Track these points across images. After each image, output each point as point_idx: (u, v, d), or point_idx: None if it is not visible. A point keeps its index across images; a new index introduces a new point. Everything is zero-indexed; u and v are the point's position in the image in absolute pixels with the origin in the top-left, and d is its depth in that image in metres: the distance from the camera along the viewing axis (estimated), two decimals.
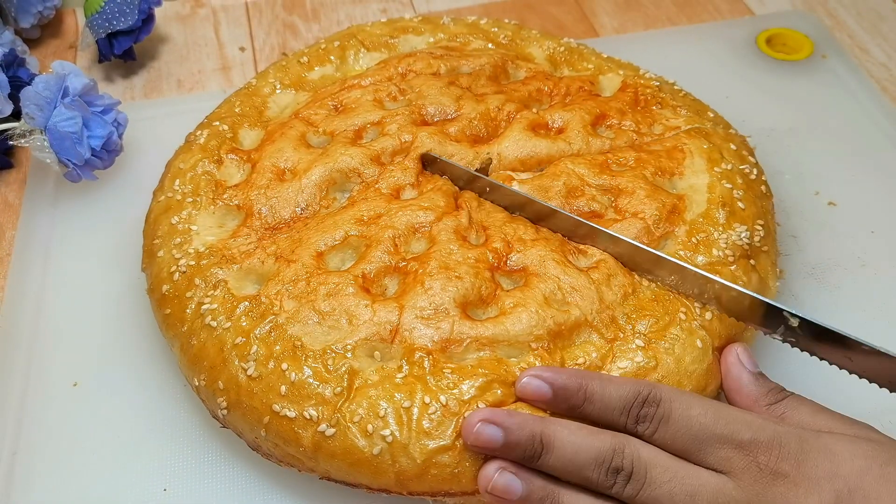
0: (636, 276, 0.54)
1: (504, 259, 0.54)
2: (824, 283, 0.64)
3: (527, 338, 0.50)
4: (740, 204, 0.58)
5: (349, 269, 0.54)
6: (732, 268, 0.54)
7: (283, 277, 0.54)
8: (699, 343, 0.50)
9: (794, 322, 0.48)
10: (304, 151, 0.62)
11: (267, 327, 0.52)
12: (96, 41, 0.82)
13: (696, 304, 0.52)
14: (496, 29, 0.75)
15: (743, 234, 0.56)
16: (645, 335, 0.51)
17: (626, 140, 0.63)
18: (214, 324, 0.53)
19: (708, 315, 0.52)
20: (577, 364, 0.50)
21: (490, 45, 0.73)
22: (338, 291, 0.52)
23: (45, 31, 0.91)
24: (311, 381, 0.49)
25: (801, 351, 0.49)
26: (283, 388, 0.49)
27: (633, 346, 0.50)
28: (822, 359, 0.49)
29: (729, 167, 0.60)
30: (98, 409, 0.58)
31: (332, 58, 0.73)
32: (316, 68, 0.72)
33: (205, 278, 0.55)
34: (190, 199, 0.60)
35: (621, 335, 0.51)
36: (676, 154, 0.61)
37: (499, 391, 0.48)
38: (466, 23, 0.76)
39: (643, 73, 0.71)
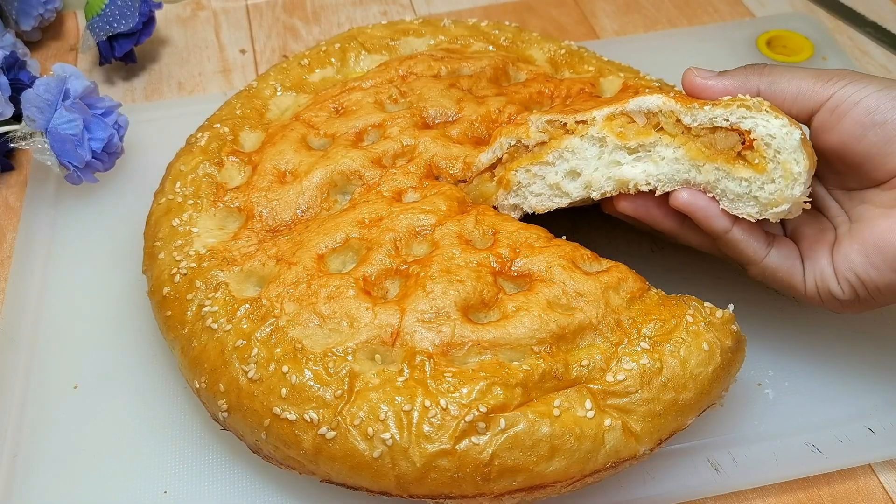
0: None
1: (508, 264, 0.54)
2: None
3: (529, 341, 0.50)
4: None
5: (350, 272, 0.54)
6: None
7: (284, 280, 0.54)
8: (706, 346, 0.50)
9: None
10: (305, 154, 0.62)
11: (268, 330, 0.52)
12: (97, 43, 0.82)
13: (706, 304, 0.52)
14: (497, 31, 0.75)
15: None
16: (650, 338, 0.51)
17: None
18: (215, 326, 0.53)
19: (719, 314, 0.52)
20: (580, 366, 0.49)
21: (491, 48, 0.73)
22: (339, 294, 0.52)
23: (46, 33, 0.91)
24: (311, 383, 0.49)
25: None
26: (283, 391, 0.49)
27: (639, 348, 0.50)
28: None
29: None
30: (98, 411, 0.58)
31: (332, 60, 0.73)
32: (317, 70, 0.72)
33: (205, 280, 0.55)
34: (191, 202, 0.60)
35: (626, 339, 0.51)
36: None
37: (500, 393, 0.48)
38: (467, 25, 0.76)
39: (644, 76, 0.71)
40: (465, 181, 0.61)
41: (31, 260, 0.68)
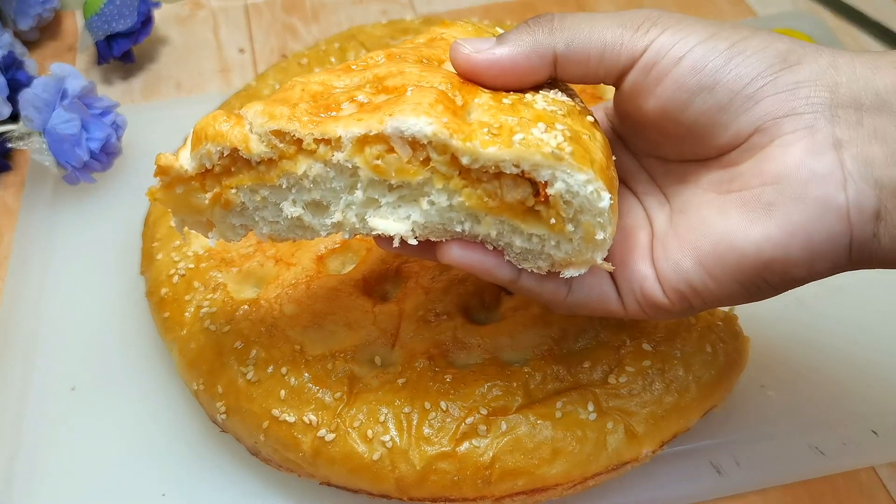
0: None
1: None
2: (826, 286, 0.63)
3: (530, 342, 0.49)
4: None
5: (350, 273, 0.54)
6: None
7: (283, 281, 0.53)
8: (709, 348, 0.50)
9: None
10: None
11: (267, 331, 0.51)
12: (95, 43, 0.82)
13: None
14: (498, 30, 0.75)
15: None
16: (653, 340, 0.50)
17: None
18: (213, 327, 0.52)
19: (722, 315, 0.51)
20: (582, 368, 0.49)
21: None
22: (338, 295, 0.52)
23: (44, 32, 0.90)
24: (310, 385, 0.49)
25: None
26: (282, 393, 0.49)
27: (641, 350, 0.50)
28: None
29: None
30: (96, 413, 0.58)
31: (332, 59, 0.73)
32: (316, 70, 0.72)
33: (204, 281, 0.55)
34: None
35: (629, 340, 0.50)
36: (438, 42, 0.48)
37: (501, 395, 0.47)
38: None
39: None
40: None
41: (29, 261, 0.67)
